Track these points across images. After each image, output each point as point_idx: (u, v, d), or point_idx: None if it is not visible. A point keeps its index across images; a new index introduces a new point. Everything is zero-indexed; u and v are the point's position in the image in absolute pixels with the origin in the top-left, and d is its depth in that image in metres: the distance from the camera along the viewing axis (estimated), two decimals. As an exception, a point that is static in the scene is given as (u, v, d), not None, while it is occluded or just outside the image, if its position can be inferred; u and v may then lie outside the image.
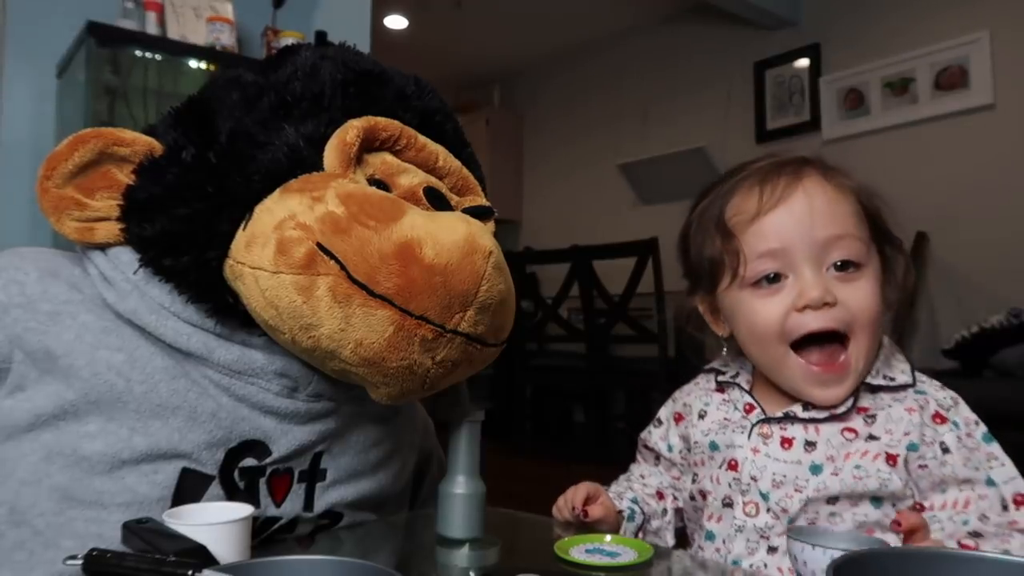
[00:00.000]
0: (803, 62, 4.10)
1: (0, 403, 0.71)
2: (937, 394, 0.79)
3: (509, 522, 0.90)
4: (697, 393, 0.94)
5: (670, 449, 0.95)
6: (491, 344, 0.72)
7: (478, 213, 0.78)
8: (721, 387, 0.91)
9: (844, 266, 0.78)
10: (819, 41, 4.03)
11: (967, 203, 3.38)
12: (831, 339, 0.78)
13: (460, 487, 0.78)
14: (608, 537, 0.80)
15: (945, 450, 0.75)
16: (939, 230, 3.38)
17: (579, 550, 0.76)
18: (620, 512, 0.90)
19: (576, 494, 0.88)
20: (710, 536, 0.84)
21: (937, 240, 3.41)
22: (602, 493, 0.89)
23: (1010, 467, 0.75)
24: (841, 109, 3.89)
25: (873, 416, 0.79)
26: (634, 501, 0.92)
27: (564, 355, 4.15)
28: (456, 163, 0.83)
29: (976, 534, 0.71)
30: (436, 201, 0.78)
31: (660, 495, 0.95)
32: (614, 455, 3.62)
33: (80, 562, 0.55)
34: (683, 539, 0.94)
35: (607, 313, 3.72)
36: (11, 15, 2.14)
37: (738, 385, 0.88)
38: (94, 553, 0.55)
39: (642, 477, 0.98)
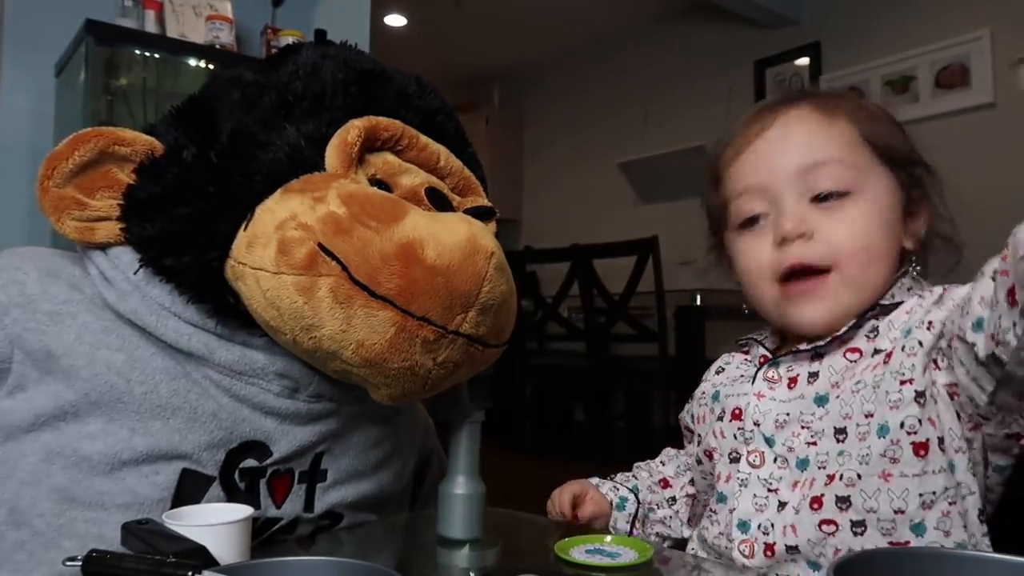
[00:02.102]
0: (803, 60, 4.10)
1: (0, 403, 0.71)
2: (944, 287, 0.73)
3: (509, 522, 0.90)
4: (723, 356, 0.92)
5: (693, 419, 0.91)
6: (493, 345, 0.72)
7: (480, 213, 0.78)
8: (748, 349, 0.89)
9: (827, 196, 0.74)
10: (819, 40, 4.03)
11: (967, 202, 3.38)
12: (818, 274, 0.75)
13: (460, 487, 0.78)
14: (608, 537, 0.80)
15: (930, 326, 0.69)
16: (939, 229, 3.38)
17: (579, 550, 0.76)
18: (611, 503, 0.89)
19: (562, 498, 0.87)
20: (722, 498, 0.79)
21: (937, 239, 3.41)
22: (589, 490, 0.88)
23: None
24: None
25: (876, 330, 0.74)
26: (633, 490, 0.90)
27: (564, 354, 4.15)
28: (458, 163, 0.83)
29: None
30: (438, 201, 0.78)
31: (665, 483, 0.93)
32: (614, 454, 3.63)
33: (80, 563, 0.55)
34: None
35: (607, 312, 3.72)
36: (9, 14, 2.14)
37: (760, 343, 0.85)
38: (94, 554, 0.55)
39: (661, 464, 0.95)
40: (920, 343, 0.69)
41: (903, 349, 0.70)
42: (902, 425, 0.68)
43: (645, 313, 3.68)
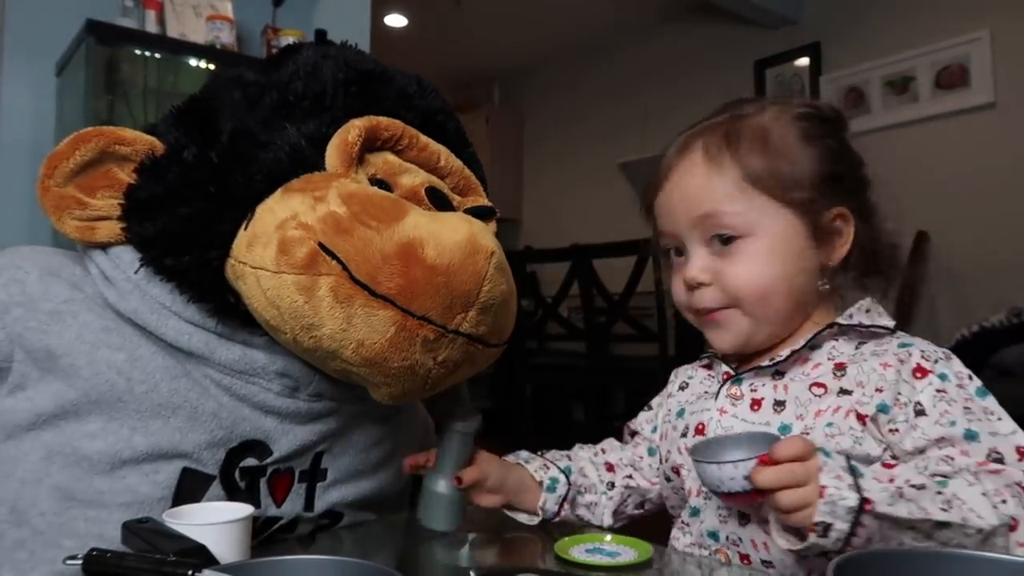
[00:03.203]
0: (803, 61, 4.10)
1: (1, 402, 0.71)
2: (925, 347, 0.75)
3: (509, 522, 0.90)
4: (685, 369, 0.94)
5: (654, 430, 0.93)
6: (493, 344, 0.72)
7: (480, 213, 0.78)
8: (709, 364, 0.90)
9: (722, 240, 0.78)
10: (819, 40, 4.02)
11: (967, 202, 3.38)
12: (724, 307, 0.80)
13: (442, 488, 0.80)
14: (608, 536, 0.80)
15: (919, 412, 0.70)
16: (939, 229, 3.38)
17: (579, 550, 0.76)
18: (540, 483, 0.87)
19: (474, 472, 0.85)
20: (695, 512, 0.81)
21: (937, 239, 3.41)
22: (508, 475, 0.87)
23: (1008, 420, 0.70)
24: (841, 108, 3.87)
25: (844, 369, 0.76)
26: (565, 471, 0.90)
27: (564, 354, 4.15)
28: (458, 163, 0.83)
29: (934, 475, 0.66)
30: (438, 201, 0.78)
31: (610, 467, 0.93)
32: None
33: (80, 562, 0.55)
34: (656, 525, 0.91)
35: (607, 312, 3.72)
36: (10, 13, 2.14)
37: (721, 360, 0.87)
38: (94, 553, 0.55)
39: (602, 451, 0.95)
40: (888, 421, 0.72)
41: (874, 421, 0.72)
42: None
43: (645, 313, 3.67)
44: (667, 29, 4.71)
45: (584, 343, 3.85)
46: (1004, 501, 0.63)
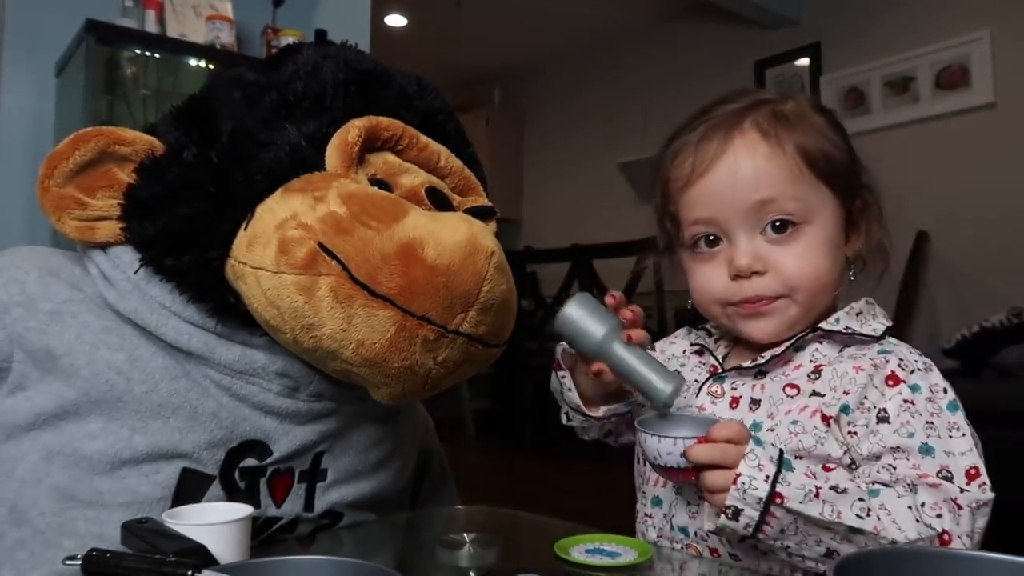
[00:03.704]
0: (803, 61, 4.10)
1: (1, 402, 0.71)
2: (906, 355, 0.74)
3: (509, 522, 0.90)
4: (677, 355, 0.91)
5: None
6: (493, 344, 0.72)
7: (480, 213, 0.78)
8: (701, 351, 0.89)
9: (779, 227, 0.75)
10: (820, 40, 4.03)
11: (967, 203, 3.38)
12: (771, 299, 0.76)
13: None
14: (608, 537, 0.80)
15: (882, 419, 0.70)
16: (939, 229, 3.38)
17: (579, 550, 0.76)
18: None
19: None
20: (657, 502, 0.81)
21: (937, 239, 3.41)
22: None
23: (969, 439, 0.69)
24: (841, 108, 3.88)
25: (819, 373, 0.75)
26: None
27: (564, 354, 4.15)
28: (458, 163, 0.83)
29: (873, 482, 0.67)
30: (438, 201, 0.78)
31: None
32: (614, 454, 3.63)
33: (80, 562, 0.55)
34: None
35: (607, 312, 3.72)
36: (10, 13, 2.14)
37: (709, 350, 0.86)
38: (94, 553, 0.55)
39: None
40: (849, 423, 0.72)
41: (837, 422, 0.72)
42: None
43: (645, 313, 3.68)
44: (667, 29, 4.72)
45: (584, 343, 3.85)
46: (939, 515, 0.64)
